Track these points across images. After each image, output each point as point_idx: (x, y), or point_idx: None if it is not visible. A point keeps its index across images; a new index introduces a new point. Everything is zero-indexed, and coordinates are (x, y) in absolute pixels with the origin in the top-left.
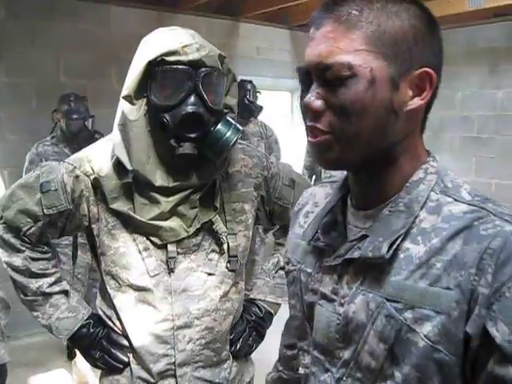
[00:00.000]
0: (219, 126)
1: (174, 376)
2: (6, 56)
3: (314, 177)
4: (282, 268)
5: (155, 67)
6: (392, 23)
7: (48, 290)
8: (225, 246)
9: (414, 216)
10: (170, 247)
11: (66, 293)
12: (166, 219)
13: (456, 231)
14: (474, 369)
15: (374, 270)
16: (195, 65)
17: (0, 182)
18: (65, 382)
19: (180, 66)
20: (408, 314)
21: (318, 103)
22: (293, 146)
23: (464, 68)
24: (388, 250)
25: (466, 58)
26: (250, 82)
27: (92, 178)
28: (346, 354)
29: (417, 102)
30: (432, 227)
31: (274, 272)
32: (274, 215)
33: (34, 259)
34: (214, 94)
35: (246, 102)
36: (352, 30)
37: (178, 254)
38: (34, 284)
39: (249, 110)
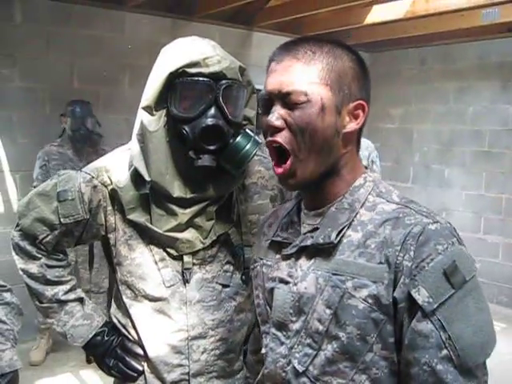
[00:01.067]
0: (239, 139)
1: None
2: (21, 60)
3: None
4: None
5: (176, 78)
6: (337, 63)
7: (63, 298)
8: (240, 258)
9: (356, 212)
10: (186, 258)
11: (81, 300)
12: (182, 231)
13: (386, 219)
14: (402, 328)
15: (322, 253)
16: (216, 77)
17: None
18: None
19: (201, 78)
20: (349, 284)
21: (278, 121)
22: None
23: (476, 82)
24: (336, 237)
25: (478, 72)
26: None
27: (110, 188)
28: (298, 325)
29: (353, 126)
30: (368, 220)
31: None
32: None
33: (49, 266)
34: (234, 106)
35: (259, 111)
36: (307, 66)
37: (194, 264)
38: (49, 291)
39: (260, 121)
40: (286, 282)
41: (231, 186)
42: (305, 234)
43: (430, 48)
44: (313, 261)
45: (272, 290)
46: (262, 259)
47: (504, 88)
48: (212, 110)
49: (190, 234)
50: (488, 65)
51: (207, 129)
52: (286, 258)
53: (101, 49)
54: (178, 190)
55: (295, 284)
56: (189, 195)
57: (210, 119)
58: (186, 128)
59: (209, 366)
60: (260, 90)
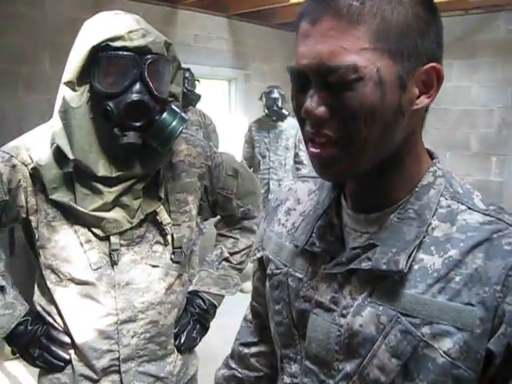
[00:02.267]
0: (165, 115)
1: (119, 372)
2: None
3: (251, 168)
4: (226, 259)
5: (99, 52)
6: (397, 14)
7: None
8: (169, 238)
9: (427, 224)
10: (113, 239)
11: (1, 289)
12: (108, 210)
13: (475, 244)
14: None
15: (384, 282)
16: (141, 51)
17: None
18: (4, 376)
19: (125, 53)
20: (426, 330)
21: (321, 110)
22: (231, 136)
23: None
24: (406, 264)
25: None
26: (188, 70)
27: (30, 167)
28: (349, 367)
29: (423, 101)
30: (445, 236)
31: (217, 263)
32: (217, 206)
33: None
34: (159, 81)
35: (185, 90)
36: (355, 25)
37: (122, 246)
38: None
39: (187, 99)
40: (328, 310)
41: (158, 163)
42: (354, 248)
43: None
44: (369, 290)
45: (305, 312)
46: (286, 267)
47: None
48: (137, 86)
49: (116, 214)
50: None
51: (132, 104)
52: (328, 277)
53: (20, 26)
54: (102, 168)
55: (343, 315)
56: (114, 174)
57: (134, 95)
58: (111, 104)
59: (139, 349)
60: (185, 69)
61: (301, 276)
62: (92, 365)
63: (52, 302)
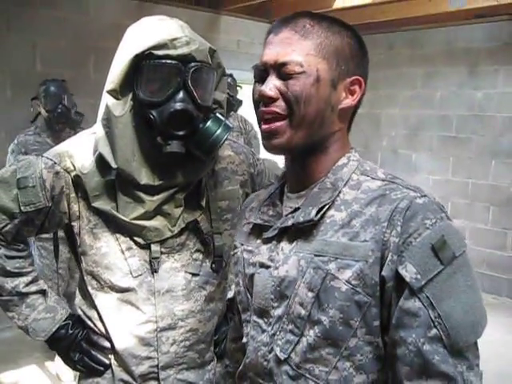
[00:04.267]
0: (209, 124)
1: (157, 379)
2: None
3: None
4: None
5: (142, 61)
6: (335, 39)
7: (24, 290)
8: (210, 246)
9: (338, 191)
10: (154, 247)
11: (43, 292)
12: (150, 218)
13: (372, 198)
14: (389, 308)
15: (304, 234)
16: (184, 59)
17: None
18: (37, 378)
19: (169, 61)
20: (332, 265)
21: (272, 91)
22: None
23: (443, 68)
24: (316, 215)
25: (445, 57)
26: (231, 75)
27: (73, 174)
28: (280, 311)
29: (348, 102)
30: (353, 199)
31: None
32: None
33: (9, 257)
34: (203, 89)
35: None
36: (305, 38)
37: (162, 253)
38: (9, 283)
39: (229, 105)
40: (267, 267)
41: (201, 172)
42: (286, 215)
43: (397, 33)
44: (295, 243)
45: (252, 275)
46: (242, 245)
47: (471, 73)
48: (180, 94)
49: (157, 222)
50: (455, 50)
51: (175, 113)
52: (267, 241)
53: (64, 30)
54: (145, 177)
55: (276, 268)
56: (157, 182)
57: (178, 103)
58: (154, 113)
59: (178, 357)
60: (228, 75)
61: (250, 248)
62: (131, 371)
63: (93, 306)
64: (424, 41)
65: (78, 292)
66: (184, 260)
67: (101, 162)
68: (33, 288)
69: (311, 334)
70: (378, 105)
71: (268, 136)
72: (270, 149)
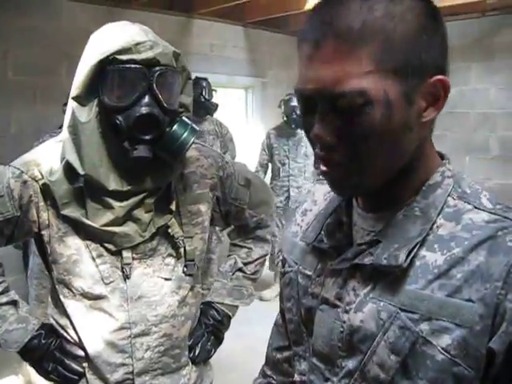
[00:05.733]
0: (175, 127)
1: None
2: None
3: (266, 174)
4: (240, 269)
5: (106, 66)
6: (399, 30)
7: None
8: (181, 250)
9: (431, 222)
10: (125, 253)
11: (14, 303)
12: (120, 224)
13: (479, 241)
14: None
15: (386, 278)
16: (149, 63)
17: None
18: None
19: (133, 65)
20: (424, 326)
21: (330, 136)
22: (248, 144)
23: None
24: (406, 259)
25: None
26: (206, 79)
27: (41, 182)
28: (351, 364)
29: (431, 114)
30: (450, 235)
31: (231, 274)
32: (230, 216)
33: None
34: (168, 93)
35: (202, 99)
36: (357, 48)
37: (134, 259)
38: None
39: (205, 108)
40: (333, 306)
41: (169, 176)
42: (360, 245)
43: None
44: (371, 285)
45: (311, 309)
46: (297, 264)
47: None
48: (146, 99)
49: (128, 228)
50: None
51: (142, 118)
52: (333, 273)
53: (36, 38)
54: (113, 182)
55: (346, 311)
56: (125, 188)
57: (144, 108)
58: (120, 118)
59: (153, 363)
60: (200, 79)
61: (309, 273)
62: (106, 378)
63: (65, 315)
64: None
65: (49, 301)
66: (156, 265)
67: (68, 169)
68: (3, 299)
69: None
70: None
71: (330, 180)
72: (338, 194)
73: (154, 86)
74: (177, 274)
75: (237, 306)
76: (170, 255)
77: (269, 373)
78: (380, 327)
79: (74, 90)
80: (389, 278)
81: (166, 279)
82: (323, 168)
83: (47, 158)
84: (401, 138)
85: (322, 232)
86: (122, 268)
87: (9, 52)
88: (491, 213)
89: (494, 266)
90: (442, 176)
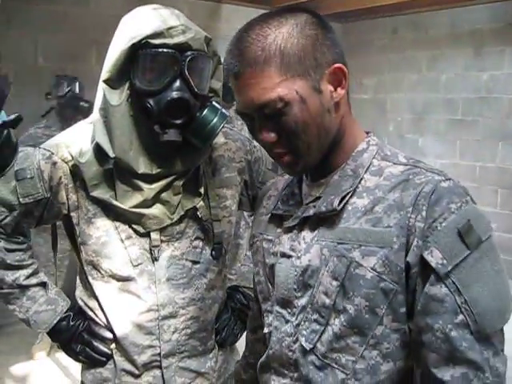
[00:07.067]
0: (205, 112)
1: (160, 367)
2: None
3: None
4: None
5: (138, 50)
6: (290, 45)
7: (25, 283)
8: (209, 233)
9: (360, 178)
10: (154, 235)
11: (43, 285)
12: (148, 206)
13: (396, 184)
14: (414, 294)
15: (326, 223)
16: (181, 48)
17: None
18: (48, 369)
19: (165, 50)
20: (356, 253)
21: (271, 136)
22: None
23: (448, 50)
24: (339, 204)
25: (450, 40)
26: None
27: (71, 164)
28: (304, 300)
29: (339, 93)
30: (375, 185)
31: None
32: None
33: (9, 250)
34: (199, 78)
35: (230, 85)
36: (265, 69)
37: (162, 241)
38: (9, 276)
39: (232, 93)
40: (289, 256)
41: (198, 159)
42: (307, 204)
43: (401, 17)
44: (316, 231)
45: (273, 265)
46: (261, 234)
47: (476, 55)
48: (177, 83)
49: (156, 210)
50: (460, 32)
51: (173, 102)
52: (288, 230)
53: (65, 24)
54: (143, 165)
55: (298, 257)
56: (155, 171)
57: (175, 92)
58: (151, 102)
59: (180, 345)
60: None
61: (271, 238)
62: (133, 360)
63: (94, 297)
64: (428, 23)
65: (78, 283)
66: (184, 248)
67: (98, 151)
68: (33, 280)
69: (337, 323)
70: (383, 90)
71: (285, 168)
72: (292, 175)
73: (186, 70)
74: (205, 257)
75: None
76: (197, 238)
77: (247, 353)
78: (323, 261)
79: (105, 73)
80: (328, 223)
81: (194, 262)
82: (276, 160)
83: (77, 139)
84: (323, 120)
85: (279, 202)
86: (151, 250)
87: (38, 39)
88: (405, 165)
89: (406, 197)
90: (367, 144)
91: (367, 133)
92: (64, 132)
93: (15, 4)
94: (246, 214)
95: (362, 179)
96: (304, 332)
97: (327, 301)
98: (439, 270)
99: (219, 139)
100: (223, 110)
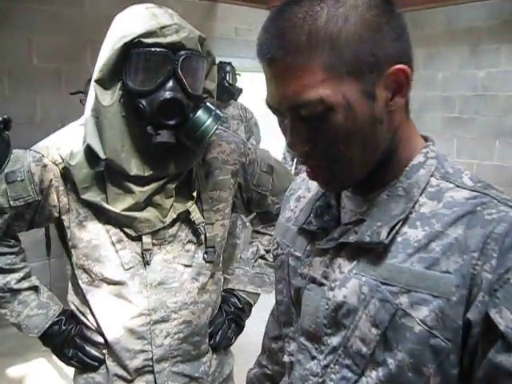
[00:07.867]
0: (199, 113)
1: (152, 372)
2: None
3: (295, 159)
4: (262, 257)
5: (131, 49)
6: (345, 33)
7: (16, 286)
8: (202, 237)
9: (414, 201)
10: (145, 239)
11: (35, 288)
12: (140, 210)
13: (458, 216)
14: (474, 356)
15: (368, 254)
16: (174, 47)
17: None
18: (44, 371)
19: (158, 49)
20: (403, 298)
21: (302, 144)
22: (273, 129)
23: (445, 48)
24: (387, 236)
25: (446, 37)
26: (230, 63)
27: (61, 166)
28: (335, 341)
29: (398, 101)
30: (432, 213)
31: (253, 261)
32: (252, 203)
33: (0, 254)
34: (193, 78)
35: (226, 84)
36: (308, 60)
37: (154, 245)
38: (0, 280)
39: (228, 93)
40: (320, 284)
41: (191, 162)
42: (346, 224)
43: None
44: (355, 262)
45: (300, 289)
46: (288, 247)
47: (472, 53)
48: (170, 83)
49: (148, 213)
50: (456, 30)
51: (166, 103)
52: (321, 253)
53: (60, 24)
54: (135, 167)
55: (331, 289)
56: (147, 173)
57: (168, 92)
58: (143, 102)
59: (173, 350)
60: (224, 63)
61: (299, 255)
62: (125, 365)
63: (85, 301)
64: (424, 21)
65: (69, 287)
66: (176, 251)
67: (89, 153)
68: (25, 284)
69: (373, 376)
70: None
71: (318, 183)
72: (328, 192)
73: (179, 70)
74: (197, 261)
75: (258, 294)
76: (190, 241)
77: (264, 362)
78: (361, 301)
79: (97, 73)
80: (371, 254)
81: (186, 266)
82: (307, 171)
83: (68, 141)
84: (372, 132)
85: (312, 214)
86: (142, 254)
87: (33, 39)
88: (471, 190)
89: (471, 238)
90: (425, 157)
91: (426, 140)
92: (54, 134)
93: (9, 4)
94: (242, 214)
95: (416, 203)
96: (333, 376)
97: (364, 349)
98: (509, 335)
99: (213, 141)
100: (217, 111)
